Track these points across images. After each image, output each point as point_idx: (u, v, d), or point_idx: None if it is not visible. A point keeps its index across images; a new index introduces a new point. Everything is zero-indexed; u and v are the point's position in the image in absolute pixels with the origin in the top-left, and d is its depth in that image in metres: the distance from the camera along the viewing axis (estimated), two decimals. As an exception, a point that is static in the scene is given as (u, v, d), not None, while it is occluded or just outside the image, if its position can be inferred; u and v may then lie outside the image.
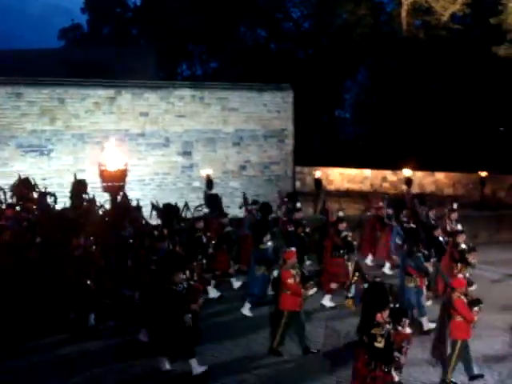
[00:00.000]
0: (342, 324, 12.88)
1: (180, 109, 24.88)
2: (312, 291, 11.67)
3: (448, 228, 16.10)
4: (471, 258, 13.24)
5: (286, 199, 19.43)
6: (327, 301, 14.26)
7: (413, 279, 12.53)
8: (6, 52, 33.83)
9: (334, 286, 14.32)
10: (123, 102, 23.85)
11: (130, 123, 23.95)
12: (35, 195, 18.01)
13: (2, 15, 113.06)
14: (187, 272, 10.49)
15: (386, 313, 8.26)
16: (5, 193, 17.68)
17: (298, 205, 18.37)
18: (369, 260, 18.39)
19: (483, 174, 26.96)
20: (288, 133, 27.32)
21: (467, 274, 12.53)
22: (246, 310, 13.72)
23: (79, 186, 17.85)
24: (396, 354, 8.48)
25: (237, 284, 15.88)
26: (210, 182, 20.71)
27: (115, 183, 14.18)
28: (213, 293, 14.90)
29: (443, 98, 38.86)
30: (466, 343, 10.03)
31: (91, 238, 13.18)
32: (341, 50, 42.31)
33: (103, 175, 14.18)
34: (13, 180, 19.00)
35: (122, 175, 14.35)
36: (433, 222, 16.87)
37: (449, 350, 10.02)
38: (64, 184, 19.82)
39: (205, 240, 14.89)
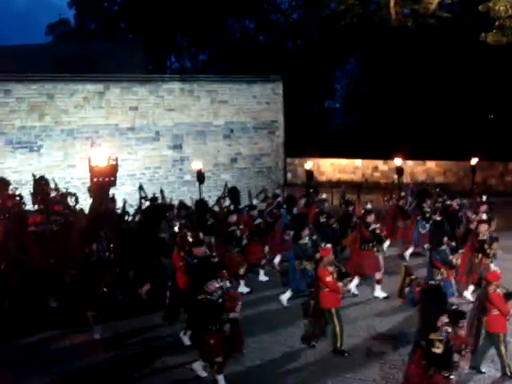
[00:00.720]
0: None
1: (170, 102, 24.83)
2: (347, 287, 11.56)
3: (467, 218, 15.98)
4: (493, 249, 13.18)
5: (311, 190, 19.59)
6: (379, 292, 14.24)
7: (440, 272, 12.43)
8: (-7, 48, 33.63)
9: (379, 276, 14.27)
10: (112, 97, 23.79)
11: (119, 118, 23.89)
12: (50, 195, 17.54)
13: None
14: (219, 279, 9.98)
15: (445, 317, 8.17)
16: (21, 197, 16.99)
17: (324, 196, 18.56)
18: (385, 247, 18.22)
19: (474, 161, 26.97)
20: (278, 124, 27.32)
21: (492, 265, 12.47)
22: (284, 298, 13.68)
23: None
24: (455, 358, 8.26)
25: (264, 278, 16.01)
26: (201, 176, 20.66)
27: (105, 178, 14.08)
28: (242, 288, 14.91)
29: (433, 87, 38.82)
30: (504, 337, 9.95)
31: (107, 243, 12.94)
32: (330, 40, 42.19)
33: (93, 171, 14.08)
34: (4, 176, 18.85)
35: (112, 170, 14.26)
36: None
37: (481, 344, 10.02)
38: (55, 180, 19.66)
39: (239, 233, 14.99)
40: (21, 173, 21.13)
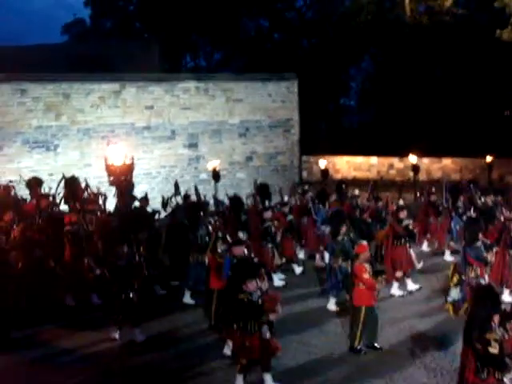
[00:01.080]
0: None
1: (185, 101, 24.90)
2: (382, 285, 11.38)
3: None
4: None
5: (344, 186, 19.70)
6: (396, 290, 14.24)
7: (473, 269, 12.27)
8: (9, 48, 33.81)
9: (399, 274, 14.28)
10: (128, 96, 23.89)
11: (135, 117, 23.99)
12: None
13: (4, 12, 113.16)
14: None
15: (498, 316, 7.99)
16: (54, 196, 16.76)
17: (356, 191, 18.69)
18: (424, 246, 18.32)
19: (490, 158, 26.84)
20: (293, 122, 27.33)
21: None
22: (332, 306, 13.55)
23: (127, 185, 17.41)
24: (507, 359, 7.90)
25: (298, 270, 16.24)
26: (216, 175, 20.69)
27: (121, 177, 14.15)
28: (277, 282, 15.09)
29: (448, 84, 38.66)
30: None
31: (137, 246, 12.62)
32: (345, 37, 42.12)
33: (109, 169, 14.16)
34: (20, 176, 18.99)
35: (128, 169, 14.35)
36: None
37: None
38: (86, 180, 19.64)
39: (273, 230, 15.16)
40: (38, 172, 21.19)
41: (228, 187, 20.10)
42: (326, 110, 47.06)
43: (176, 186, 17.64)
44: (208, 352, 11.17)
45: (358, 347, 11.06)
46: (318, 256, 17.09)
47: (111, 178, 14.24)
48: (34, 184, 17.41)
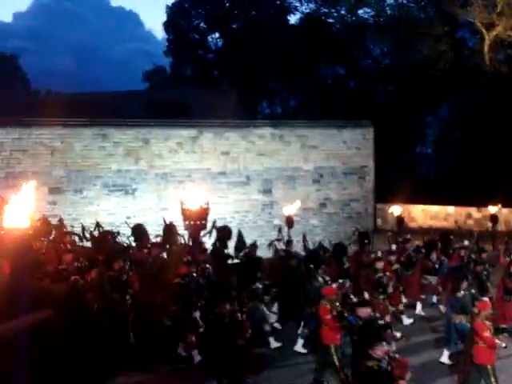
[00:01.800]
0: None
1: (260, 147, 25.10)
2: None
3: None
4: None
5: (451, 237, 19.56)
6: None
7: None
8: (92, 94, 35.04)
9: None
10: (205, 142, 24.26)
11: (211, 162, 24.30)
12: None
13: (89, 59, 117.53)
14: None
15: None
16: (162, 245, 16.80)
17: (466, 242, 18.53)
18: None
19: None
20: (368, 170, 27.13)
21: None
22: (445, 358, 13.38)
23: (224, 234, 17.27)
24: None
25: (407, 321, 16.06)
26: (290, 221, 20.66)
27: (196, 222, 14.27)
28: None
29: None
30: None
31: (240, 303, 12.36)
32: (422, 85, 41.90)
33: (185, 214, 14.31)
34: (99, 218, 19.43)
35: (203, 213, 14.47)
36: None
37: None
38: (148, 222, 20.06)
39: (385, 280, 14.93)
40: (115, 215, 21.74)
41: (301, 233, 20.00)
42: (401, 158, 46.64)
43: (279, 231, 17.80)
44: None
45: None
46: (419, 305, 16.96)
47: (186, 223, 14.36)
48: (142, 232, 17.66)
